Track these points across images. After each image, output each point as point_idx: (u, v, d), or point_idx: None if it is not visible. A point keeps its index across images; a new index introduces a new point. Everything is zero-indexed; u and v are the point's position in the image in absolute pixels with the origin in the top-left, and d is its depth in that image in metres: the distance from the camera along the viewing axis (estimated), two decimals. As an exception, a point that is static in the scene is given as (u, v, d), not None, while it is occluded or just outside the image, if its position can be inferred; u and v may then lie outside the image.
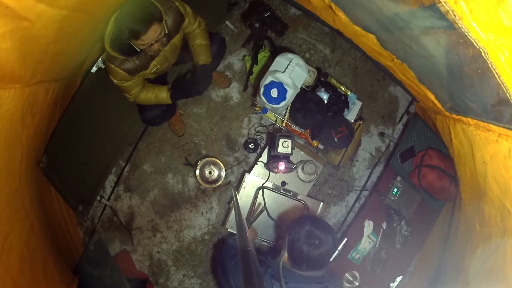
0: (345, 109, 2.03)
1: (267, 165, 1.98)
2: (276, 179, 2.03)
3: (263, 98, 1.76)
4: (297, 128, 2.05)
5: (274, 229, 2.02)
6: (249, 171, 2.05)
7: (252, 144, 2.28)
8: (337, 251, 1.99)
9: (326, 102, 1.99)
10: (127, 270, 2.20)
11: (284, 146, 1.76)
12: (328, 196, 2.38)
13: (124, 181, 2.30)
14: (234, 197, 1.58)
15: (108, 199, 2.25)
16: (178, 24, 1.52)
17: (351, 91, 2.09)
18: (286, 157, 1.81)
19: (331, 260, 1.99)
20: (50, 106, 1.52)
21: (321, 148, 2.12)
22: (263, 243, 2.05)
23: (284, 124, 2.03)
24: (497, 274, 1.18)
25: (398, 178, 2.08)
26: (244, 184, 2.02)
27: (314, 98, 1.91)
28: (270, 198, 2.01)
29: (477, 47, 0.83)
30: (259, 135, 2.32)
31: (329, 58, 2.39)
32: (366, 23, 1.45)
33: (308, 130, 2.08)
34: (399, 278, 2.06)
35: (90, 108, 1.92)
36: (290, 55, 1.79)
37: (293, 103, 1.89)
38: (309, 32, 2.37)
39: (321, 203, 2.06)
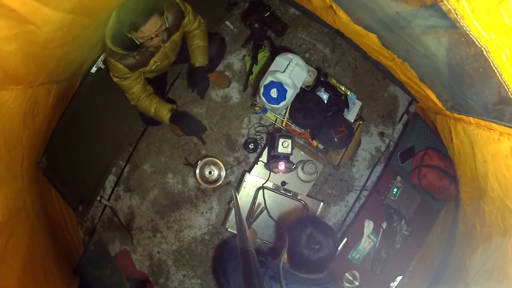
0: (345, 109, 2.03)
1: (267, 165, 1.98)
2: (276, 179, 2.03)
3: (263, 98, 1.76)
4: (297, 128, 2.05)
5: (274, 229, 2.02)
6: (249, 171, 2.05)
7: (252, 144, 2.28)
8: (337, 251, 1.99)
9: (326, 102, 1.99)
10: (127, 270, 2.20)
11: (284, 146, 1.76)
12: (328, 196, 2.38)
13: (124, 181, 2.30)
14: (234, 197, 1.57)
15: (108, 199, 2.25)
16: (178, 21, 1.53)
17: (351, 91, 2.09)
18: (286, 157, 1.81)
19: (331, 260, 1.99)
20: (51, 107, 1.53)
21: (321, 148, 2.12)
22: (264, 243, 2.05)
23: (284, 124, 2.03)
24: (498, 274, 1.18)
25: (398, 178, 2.08)
26: (244, 184, 2.02)
27: (314, 98, 1.91)
28: (270, 198, 2.01)
29: (479, 45, 0.83)
30: (259, 135, 2.32)
31: (329, 58, 2.39)
32: (367, 22, 1.45)
33: (308, 130, 2.08)
34: (399, 278, 2.06)
35: (90, 108, 1.92)
36: (290, 55, 1.79)
37: (293, 103, 1.89)
38: (309, 32, 2.37)
39: (321, 203, 2.06)
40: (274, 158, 1.84)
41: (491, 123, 1.17)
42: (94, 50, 1.73)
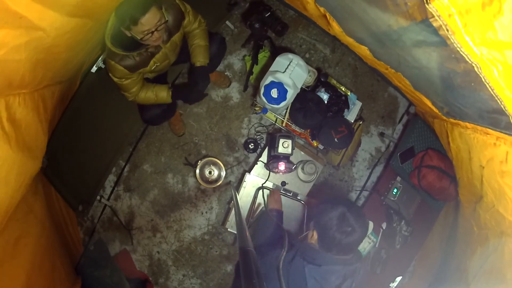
0: (345, 109, 2.03)
1: (267, 165, 1.98)
2: (276, 179, 2.03)
3: (263, 98, 1.76)
4: (297, 128, 2.05)
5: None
6: (249, 171, 2.05)
7: (252, 144, 2.28)
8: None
9: (326, 102, 1.99)
10: (127, 270, 2.20)
11: (284, 146, 1.76)
12: (328, 196, 2.38)
13: (124, 181, 2.30)
14: (234, 197, 1.57)
15: (108, 199, 2.25)
16: (178, 21, 1.53)
17: (351, 91, 2.09)
18: (286, 157, 1.81)
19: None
20: (54, 107, 1.53)
21: (321, 148, 2.12)
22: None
23: (284, 124, 2.03)
24: (495, 276, 1.18)
25: (398, 178, 2.08)
26: (244, 184, 2.02)
27: (314, 98, 1.91)
28: None
29: (469, 62, 0.82)
30: (259, 135, 2.32)
31: (329, 58, 2.39)
32: (359, 35, 1.45)
33: (308, 130, 2.08)
34: (399, 278, 2.06)
35: (90, 108, 1.92)
36: (290, 55, 1.79)
37: (293, 103, 1.89)
38: (309, 32, 2.37)
39: None
40: (274, 158, 1.84)
41: (487, 129, 1.17)
42: (94, 50, 1.73)
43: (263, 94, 1.76)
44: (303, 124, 1.95)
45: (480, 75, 0.84)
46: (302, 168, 2.02)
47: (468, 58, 0.82)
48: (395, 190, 2.06)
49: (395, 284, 2.05)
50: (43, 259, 1.42)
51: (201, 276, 2.34)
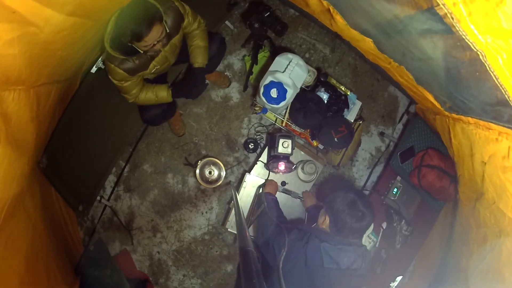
0: (345, 109, 2.03)
1: (267, 165, 1.98)
2: (276, 179, 2.03)
3: (263, 98, 1.76)
4: (297, 128, 2.05)
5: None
6: (249, 171, 2.05)
7: (252, 144, 2.28)
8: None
9: (326, 102, 1.99)
10: (127, 270, 2.20)
11: (284, 146, 1.76)
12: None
13: (124, 181, 2.30)
14: (234, 197, 1.58)
15: (108, 199, 2.25)
16: (178, 24, 1.53)
17: (351, 91, 2.09)
18: (286, 157, 1.81)
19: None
20: (51, 107, 1.53)
21: (321, 148, 2.12)
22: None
23: (284, 124, 2.03)
24: (493, 275, 1.18)
25: (398, 178, 2.08)
26: (244, 184, 2.02)
27: (314, 98, 1.91)
28: None
29: (475, 50, 0.83)
30: (259, 135, 2.32)
31: (329, 58, 2.39)
32: (364, 26, 1.45)
33: (308, 130, 2.08)
34: (399, 278, 2.06)
35: (90, 108, 1.92)
36: (290, 55, 1.79)
37: (293, 103, 1.89)
38: (309, 32, 2.37)
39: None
40: (274, 158, 1.84)
41: (490, 123, 1.17)
42: (94, 51, 1.73)
43: (262, 94, 1.76)
44: (303, 124, 1.95)
45: (485, 64, 0.85)
46: (302, 168, 2.02)
47: (474, 46, 0.82)
48: (395, 190, 2.06)
49: (395, 283, 2.05)
50: (37, 261, 1.41)
51: (201, 276, 2.34)
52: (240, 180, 2.12)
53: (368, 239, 2.04)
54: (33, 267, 1.35)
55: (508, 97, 0.91)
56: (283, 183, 2.04)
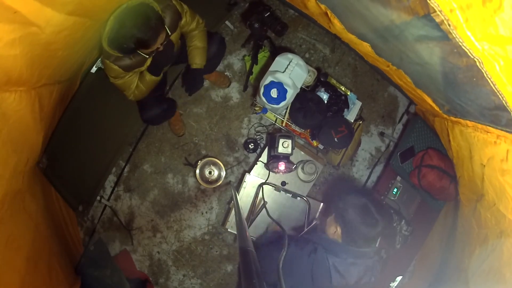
0: (345, 109, 2.03)
1: (267, 165, 1.98)
2: (276, 179, 2.03)
3: (263, 98, 1.76)
4: (297, 128, 2.05)
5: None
6: (249, 171, 2.05)
7: (252, 144, 2.28)
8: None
9: (326, 102, 1.99)
10: (127, 270, 2.20)
11: (284, 146, 1.76)
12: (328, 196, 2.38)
13: (124, 181, 2.30)
14: (234, 197, 1.58)
15: (108, 199, 2.25)
16: (175, 22, 1.53)
17: (351, 91, 2.09)
18: (286, 157, 1.80)
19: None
20: (52, 107, 1.53)
21: (321, 148, 2.12)
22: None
23: (284, 124, 2.03)
24: (494, 275, 1.18)
25: (398, 178, 2.08)
26: (244, 184, 2.02)
27: (314, 98, 1.91)
28: (270, 198, 2.01)
29: (472, 56, 0.83)
30: (259, 135, 2.32)
31: (329, 58, 2.39)
32: (361, 31, 1.45)
33: (308, 130, 2.08)
34: (399, 278, 2.06)
35: (90, 108, 1.92)
36: (290, 55, 1.79)
37: (293, 103, 1.89)
38: (309, 32, 2.37)
39: (321, 204, 2.06)
40: (274, 158, 1.84)
41: (488, 127, 1.17)
42: (94, 50, 1.73)
43: (263, 94, 1.76)
44: (303, 124, 1.95)
45: (482, 70, 0.85)
46: (302, 168, 2.02)
47: (470, 52, 0.82)
48: (395, 190, 2.06)
49: (395, 283, 2.05)
50: (38, 261, 1.40)
51: (201, 276, 2.34)
52: (240, 180, 2.12)
53: (368, 239, 2.04)
54: (34, 266, 1.35)
55: (506, 103, 0.91)
56: (283, 183, 2.04)
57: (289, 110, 1.95)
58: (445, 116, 1.56)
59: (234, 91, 2.33)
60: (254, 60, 2.07)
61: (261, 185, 1.98)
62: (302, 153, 2.07)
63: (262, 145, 2.30)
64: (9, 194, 1.23)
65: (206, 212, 2.33)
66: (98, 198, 2.18)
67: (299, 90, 1.83)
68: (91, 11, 1.20)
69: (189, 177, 2.31)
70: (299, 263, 1.22)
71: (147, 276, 2.30)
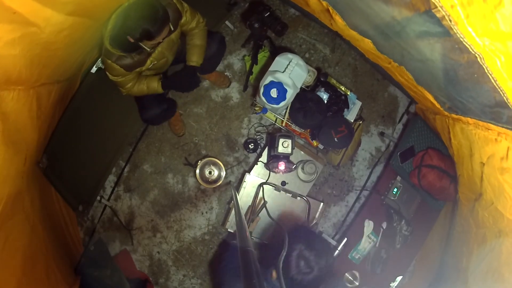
0: (345, 109, 2.03)
1: (267, 165, 1.98)
2: (276, 179, 2.03)
3: (263, 98, 1.76)
4: (297, 128, 2.05)
5: (274, 230, 2.01)
6: (249, 171, 2.05)
7: (252, 144, 2.28)
8: (337, 251, 1.99)
9: (326, 102, 1.99)
10: (127, 270, 2.20)
11: (284, 146, 1.76)
12: (328, 196, 2.38)
13: (124, 181, 2.30)
14: (234, 197, 1.57)
15: (108, 199, 2.25)
16: (175, 20, 1.54)
17: (351, 91, 2.09)
18: (286, 157, 1.80)
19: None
20: (51, 107, 1.53)
21: (321, 148, 2.12)
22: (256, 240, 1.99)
23: (284, 124, 2.03)
24: (493, 275, 1.18)
25: (398, 178, 2.08)
26: (244, 185, 2.02)
27: (314, 98, 1.91)
28: (270, 198, 2.01)
29: (473, 52, 0.83)
30: (259, 135, 2.32)
31: (329, 58, 2.39)
32: (362, 27, 1.45)
33: (308, 130, 2.08)
34: (399, 278, 2.06)
35: (90, 108, 1.93)
36: (290, 55, 1.79)
37: (293, 103, 1.89)
38: (309, 32, 2.37)
39: (321, 203, 2.06)
40: (274, 158, 1.84)
41: (489, 124, 1.17)
42: (94, 50, 1.73)
43: (262, 94, 1.76)
44: (303, 124, 1.95)
45: (483, 66, 0.85)
46: (302, 168, 2.02)
47: (471, 48, 0.82)
48: (395, 190, 2.06)
49: (395, 283, 2.05)
50: (36, 261, 1.40)
51: (202, 276, 2.34)
52: (240, 180, 2.12)
53: (368, 239, 2.04)
54: (31, 268, 1.34)
55: (507, 99, 0.91)
56: (283, 183, 2.04)
57: (289, 110, 1.95)
58: (446, 113, 1.56)
59: (234, 91, 2.33)
60: (254, 60, 2.07)
61: (261, 185, 1.98)
62: (302, 153, 2.07)
63: (262, 145, 2.30)
64: (8, 194, 1.23)
65: (206, 212, 2.33)
66: (98, 198, 2.18)
67: (299, 90, 1.83)
68: (90, 11, 1.20)
69: (189, 177, 2.31)
70: None
71: (147, 276, 2.30)
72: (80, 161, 1.99)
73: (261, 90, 1.76)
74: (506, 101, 0.91)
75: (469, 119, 1.33)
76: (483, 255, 1.26)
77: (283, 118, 2.01)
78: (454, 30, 0.80)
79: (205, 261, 2.34)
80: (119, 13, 1.36)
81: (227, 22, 2.24)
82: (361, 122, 2.13)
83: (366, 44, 1.57)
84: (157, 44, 1.43)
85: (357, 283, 2.01)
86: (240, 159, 2.33)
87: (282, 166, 1.79)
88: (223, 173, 2.22)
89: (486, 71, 0.85)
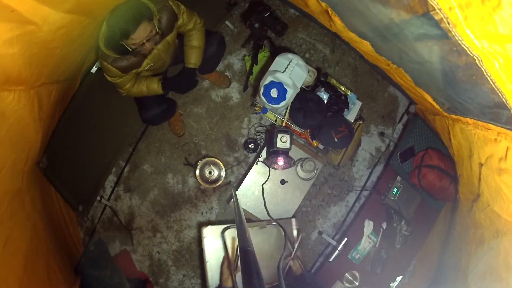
0: (345, 109, 2.03)
1: (266, 161, 1.98)
2: (275, 177, 2.03)
3: (263, 98, 1.76)
4: (297, 128, 2.05)
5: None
6: (237, 187, 1.98)
7: (252, 144, 2.28)
8: (337, 251, 1.99)
9: (326, 102, 1.99)
10: (127, 270, 2.20)
11: (282, 141, 1.76)
12: (328, 196, 2.38)
13: (124, 181, 2.30)
14: (234, 197, 1.57)
15: (108, 199, 2.25)
16: (172, 22, 1.54)
17: (351, 91, 2.09)
18: (285, 152, 1.80)
19: (331, 260, 1.99)
20: (52, 107, 1.53)
21: (321, 148, 2.12)
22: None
23: (284, 124, 2.03)
24: (491, 275, 1.18)
25: (398, 178, 2.08)
26: (205, 240, 1.80)
27: (314, 98, 1.91)
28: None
29: (471, 55, 0.83)
30: (259, 135, 2.32)
31: (329, 58, 2.39)
32: (361, 29, 1.45)
33: (308, 130, 2.08)
34: (399, 278, 2.06)
35: (90, 108, 1.93)
36: (290, 55, 1.79)
37: (293, 103, 1.89)
38: (309, 32, 2.37)
39: (293, 219, 1.92)
40: (273, 154, 1.84)
41: (488, 124, 1.17)
42: (94, 50, 1.73)
43: (262, 94, 1.76)
44: (303, 124, 1.95)
45: (482, 68, 0.85)
46: (301, 166, 2.02)
47: (470, 51, 0.82)
48: (395, 190, 2.06)
49: (395, 283, 2.05)
50: (37, 261, 1.40)
51: (202, 276, 2.34)
52: (240, 180, 2.12)
53: (368, 239, 2.04)
54: (32, 267, 1.34)
55: (505, 100, 0.91)
56: (282, 182, 2.04)
57: (289, 110, 1.95)
58: (445, 114, 1.56)
59: (234, 91, 2.33)
60: (254, 60, 2.07)
61: (224, 230, 1.78)
62: (302, 151, 2.07)
63: (262, 145, 2.30)
64: (9, 194, 1.23)
65: (206, 212, 2.33)
66: (98, 198, 2.18)
67: (299, 90, 1.83)
68: (88, 9, 1.20)
69: (189, 177, 2.31)
70: None
71: (147, 276, 2.30)
72: (80, 161, 1.99)
73: (261, 90, 1.76)
74: (505, 103, 0.92)
75: (468, 119, 1.33)
76: (481, 255, 1.27)
77: (283, 118, 2.01)
78: (453, 32, 0.80)
79: (205, 261, 2.34)
80: (110, 15, 1.36)
81: (227, 22, 2.24)
82: (361, 122, 2.13)
83: (364, 46, 1.57)
84: (141, 44, 1.40)
85: (357, 283, 2.01)
86: (240, 159, 2.33)
87: (281, 161, 1.79)
88: (223, 173, 2.22)
89: (484, 73, 0.86)
